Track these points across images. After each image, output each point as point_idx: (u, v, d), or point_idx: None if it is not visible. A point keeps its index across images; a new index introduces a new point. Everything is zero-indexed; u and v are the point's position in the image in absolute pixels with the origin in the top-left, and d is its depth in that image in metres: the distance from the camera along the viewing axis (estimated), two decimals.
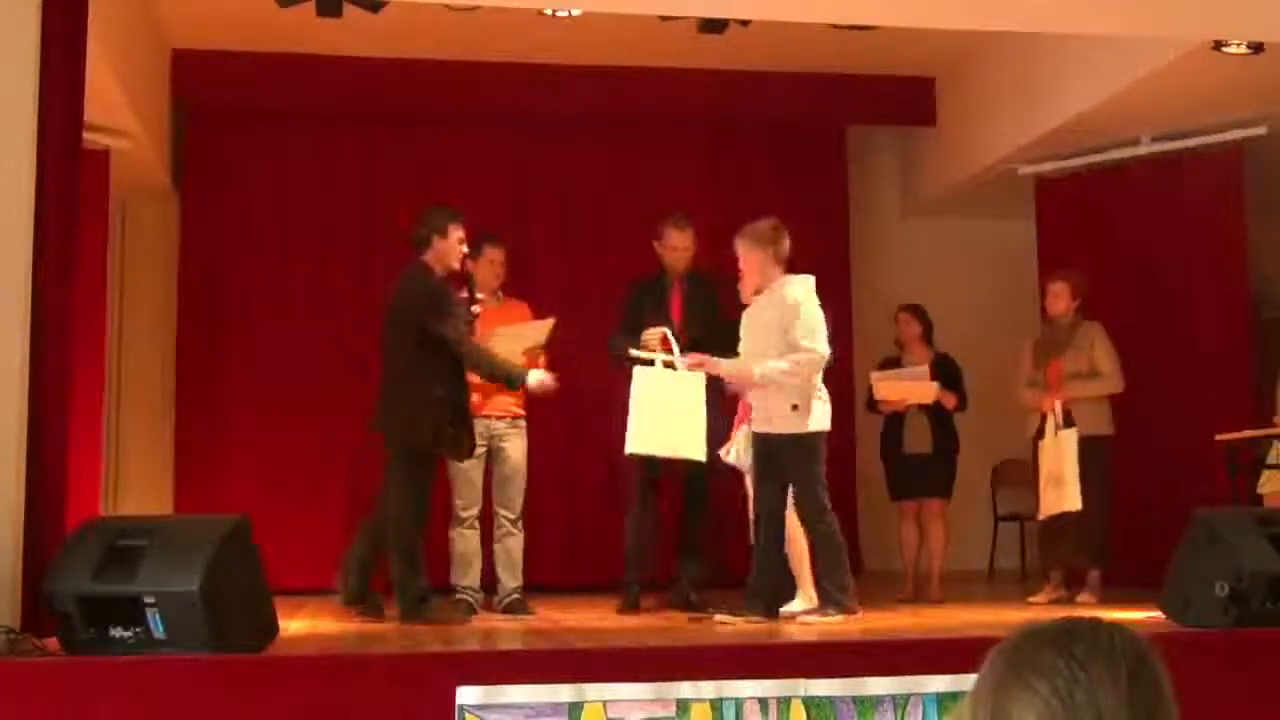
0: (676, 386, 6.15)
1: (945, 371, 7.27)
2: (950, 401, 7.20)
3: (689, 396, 6.13)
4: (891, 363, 7.46)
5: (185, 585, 4.10)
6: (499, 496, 6.64)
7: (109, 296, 8.07)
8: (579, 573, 8.37)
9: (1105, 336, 7.08)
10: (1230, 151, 7.88)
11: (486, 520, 6.68)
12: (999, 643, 1.41)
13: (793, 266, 6.09)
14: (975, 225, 9.70)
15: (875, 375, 7.33)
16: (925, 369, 7.20)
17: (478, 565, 6.58)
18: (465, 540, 6.57)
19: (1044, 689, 1.33)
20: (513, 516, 6.63)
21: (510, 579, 6.59)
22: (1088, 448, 6.84)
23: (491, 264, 6.79)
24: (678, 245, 6.78)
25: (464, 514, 6.58)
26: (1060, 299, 7.16)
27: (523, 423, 6.73)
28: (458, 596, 6.49)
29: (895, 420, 7.33)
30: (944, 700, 3.82)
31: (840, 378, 9.31)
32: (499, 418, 6.65)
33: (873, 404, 7.38)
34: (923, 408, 7.19)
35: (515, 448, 6.65)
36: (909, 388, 7.20)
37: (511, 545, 6.61)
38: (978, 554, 9.09)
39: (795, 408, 5.77)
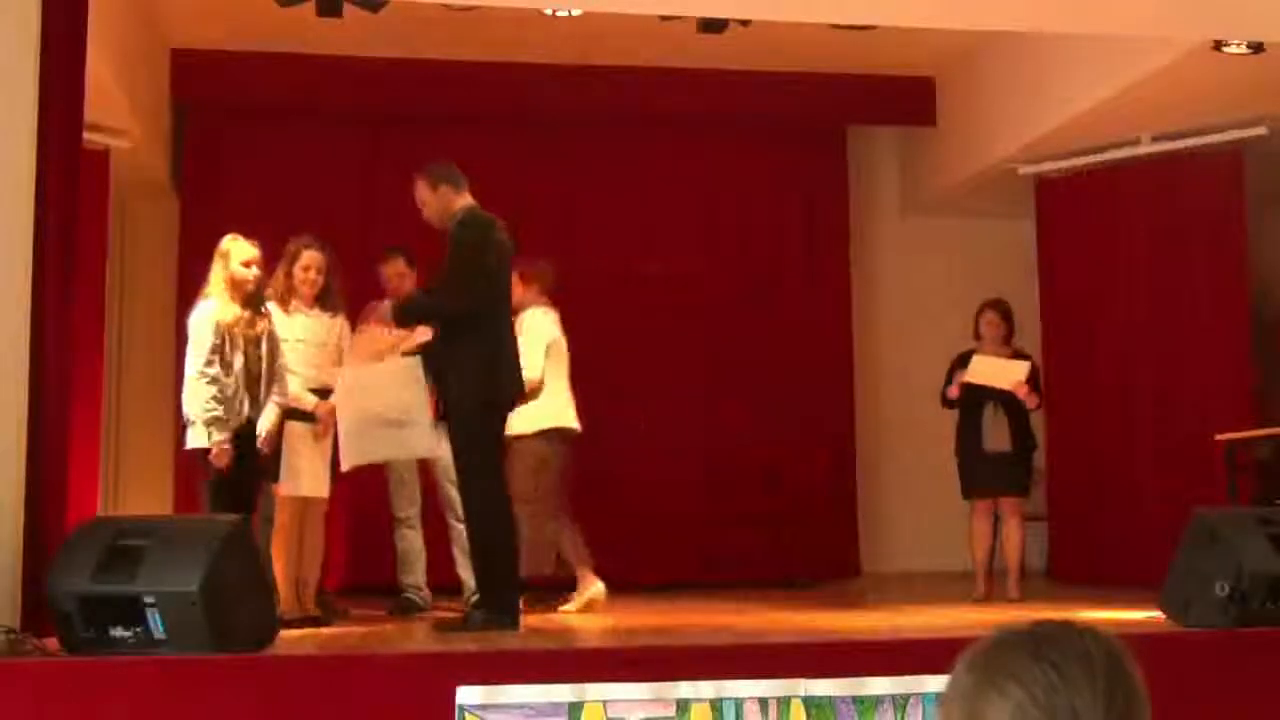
0: (385, 378, 5.61)
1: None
2: (1033, 401, 7.11)
3: (399, 383, 5.53)
4: (968, 358, 7.29)
5: (185, 585, 4.10)
6: (445, 501, 6.68)
7: (109, 296, 8.06)
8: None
9: (535, 326, 6.58)
10: (1230, 151, 7.88)
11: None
12: (969, 646, 1.40)
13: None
14: (975, 225, 9.69)
15: (977, 359, 7.12)
16: (1025, 364, 7.10)
17: (421, 564, 6.68)
18: (406, 540, 6.69)
19: (1019, 694, 1.32)
20: (455, 517, 6.62)
21: (470, 578, 6.62)
22: (511, 449, 6.29)
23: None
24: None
25: (400, 515, 6.71)
26: (516, 287, 6.52)
27: None
28: (404, 595, 6.60)
29: (973, 418, 7.19)
30: None
31: (841, 377, 9.37)
32: None
33: (947, 401, 7.25)
34: (1001, 406, 7.09)
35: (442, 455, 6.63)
36: (1001, 367, 7.10)
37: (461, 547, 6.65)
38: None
39: None
